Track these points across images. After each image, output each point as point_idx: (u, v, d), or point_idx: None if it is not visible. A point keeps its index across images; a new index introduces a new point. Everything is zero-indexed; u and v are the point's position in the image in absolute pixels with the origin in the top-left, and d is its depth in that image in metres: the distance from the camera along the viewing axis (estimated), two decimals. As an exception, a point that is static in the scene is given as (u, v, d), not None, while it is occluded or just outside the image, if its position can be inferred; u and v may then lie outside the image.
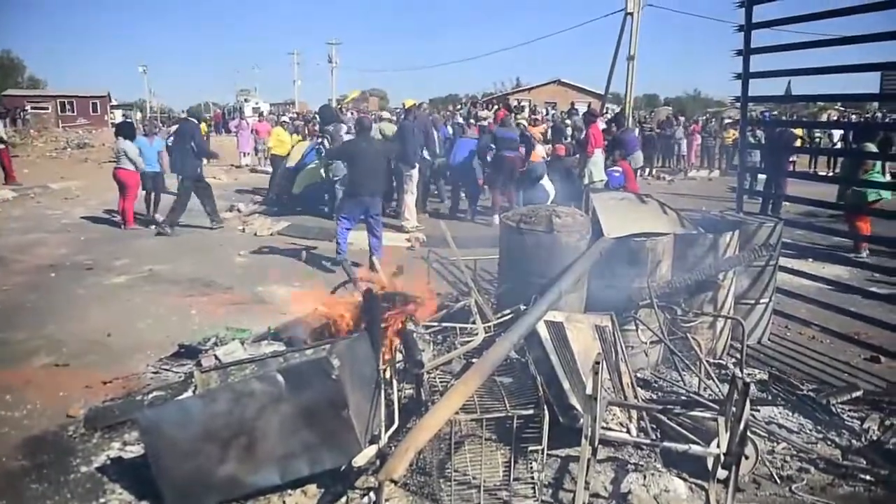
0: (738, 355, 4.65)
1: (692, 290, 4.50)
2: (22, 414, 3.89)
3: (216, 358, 4.39)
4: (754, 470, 3.31)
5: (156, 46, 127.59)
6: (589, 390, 2.70)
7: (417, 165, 9.63)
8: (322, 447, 2.89)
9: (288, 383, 2.88)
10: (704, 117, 23.94)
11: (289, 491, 2.99)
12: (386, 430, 2.96)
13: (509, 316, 3.86)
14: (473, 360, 3.53)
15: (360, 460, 2.81)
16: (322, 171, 10.28)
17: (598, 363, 2.60)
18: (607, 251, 4.24)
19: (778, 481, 3.28)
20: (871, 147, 8.22)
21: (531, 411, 2.94)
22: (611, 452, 3.44)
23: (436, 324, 3.67)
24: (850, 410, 4.04)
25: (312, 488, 3.02)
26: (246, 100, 37.56)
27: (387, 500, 2.95)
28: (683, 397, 3.88)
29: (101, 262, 7.62)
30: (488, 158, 10.27)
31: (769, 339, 5.33)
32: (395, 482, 2.92)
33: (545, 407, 2.92)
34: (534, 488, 3.08)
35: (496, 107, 25.43)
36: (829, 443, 3.68)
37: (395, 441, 3.13)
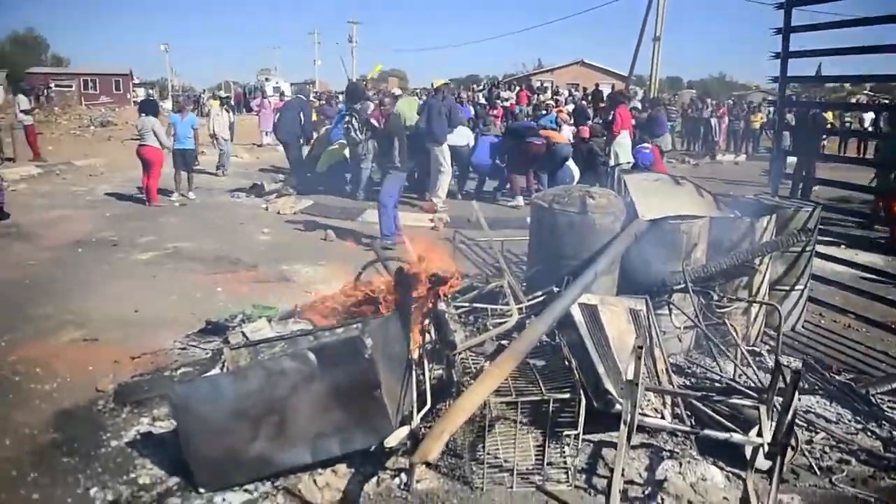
0: (773, 342, 4.55)
1: (727, 275, 4.38)
2: (52, 387, 3.91)
3: (243, 335, 4.38)
4: (793, 460, 3.22)
5: (177, 25, 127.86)
6: (629, 375, 2.62)
7: (446, 143, 9.50)
8: (353, 427, 2.85)
9: (320, 362, 2.83)
10: (731, 101, 23.42)
11: (319, 470, 2.96)
12: (418, 412, 2.90)
13: (541, 298, 3.77)
14: (504, 342, 3.47)
15: (391, 441, 2.76)
16: (346, 150, 10.21)
17: (640, 348, 2.52)
18: (642, 233, 4.13)
19: (817, 472, 3.19)
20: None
21: (567, 395, 2.87)
22: (644, 438, 3.37)
23: (466, 304, 3.60)
24: (889, 401, 3.93)
25: (343, 468, 2.99)
26: (267, 79, 37.43)
27: (418, 482, 2.92)
28: (718, 384, 3.79)
29: (126, 239, 7.65)
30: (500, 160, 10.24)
31: (803, 327, 5.21)
32: (429, 464, 2.87)
33: (581, 391, 2.85)
34: (567, 473, 3.02)
35: (518, 88, 25.18)
36: (869, 434, 3.57)
37: (426, 422, 3.10)
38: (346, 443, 2.87)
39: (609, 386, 3.24)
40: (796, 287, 5.04)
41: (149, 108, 9.69)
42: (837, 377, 4.23)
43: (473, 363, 3.20)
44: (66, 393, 3.84)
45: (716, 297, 4.17)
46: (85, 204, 9.99)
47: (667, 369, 3.65)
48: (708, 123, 18.49)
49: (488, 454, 3.00)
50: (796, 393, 2.42)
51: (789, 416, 2.44)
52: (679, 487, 3.00)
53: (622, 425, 2.69)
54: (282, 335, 3.38)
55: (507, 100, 22.02)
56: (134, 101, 37.20)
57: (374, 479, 2.94)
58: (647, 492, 2.99)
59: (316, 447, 2.86)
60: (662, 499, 2.94)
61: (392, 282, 3.46)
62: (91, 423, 3.48)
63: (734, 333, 3.91)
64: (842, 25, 4.99)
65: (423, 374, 3.10)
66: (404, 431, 2.80)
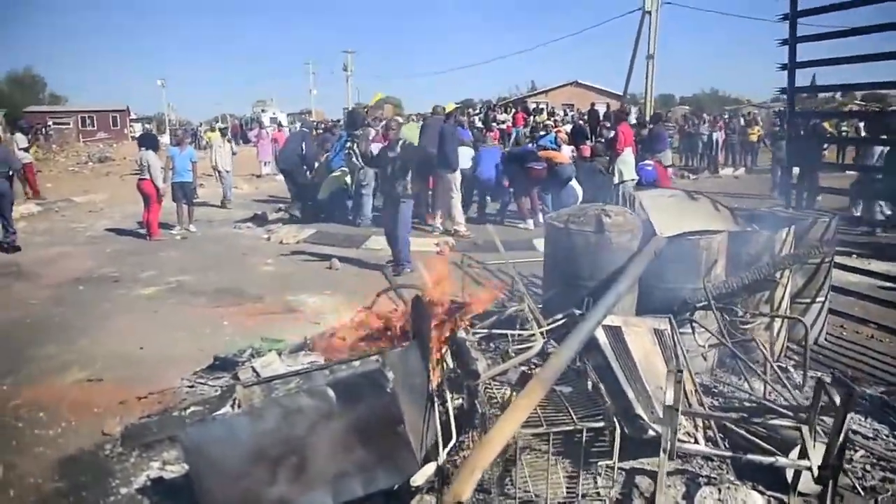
0: (797, 357, 4.43)
1: (750, 290, 4.26)
2: (56, 432, 3.76)
3: (253, 370, 4.25)
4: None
5: (173, 60, 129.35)
6: (667, 400, 2.48)
7: (458, 169, 9.47)
8: (376, 466, 2.70)
9: (338, 397, 2.70)
10: (727, 115, 23.51)
11: (340, 513, 2.80)
12: (443, 446, 2.76)
13: (562, 321, 3.65)
14: (524, 369, 3.33)
15: (418, 479, 2.61)
16: (347, 177, 10.16)
17: (679, 372, 2.39)
18: (660, 251, 4.02)
19: (861, 493, 3.03)
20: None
21: (601, 424, 2.73)
22: (678, 464, 3.21)
23: (485, 331, 3.47)
24: (927, 414, 3.78)
25: (365, 510, 2.83)
26: (263, 110, 37.68)
27: (446, 522, 2.76)
28: (748, 403, 3.66)
29: (127, 275, 7.53)
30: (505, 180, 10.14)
31: (826, 339, 5.08)
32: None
33: (615, 419, 2.71)
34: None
35: (514, 110, 25.29)
36: (910, 450, 3.42)
37: (450, 457, 2.95)
38: (368, 483, 2.71)
39: (640, 411, 3.11)
40: (817, 299, 4.91)
41: (148, 142, 9.64)
42: (868, 391, 4.10)
43: (498, 392, 3.07)
44: (71, 438, 3.69)
45: (741, 313, 4.04)
46: (85, 240, 9.88)
47: (696, 390, 3.51)
48: (709, 138, 18.51)
49: (518, 488, 2.85)
50: (848, 414, 2.29)
51: (841, 438, 2.31)
52: (721, 516, 2.85)
53: (661, 453, 2.55)
54: (297, 370, 3.25)
55: (503, 122, 22.10)
56: (132, 137, 37.39)
57: (399, 520, 2.79)
58: (688, 522, 2.84)
59: (337, 489, 2.70)
60: (705, 530, 2.79)
61: (408, 310, 3.33)
62: (98, 469, 3.33)
63: (763, 350, 3.78)
64: (849, 34, 4.94)
65: (446, 405, 2.96)
66: (431, 468, 2.65)
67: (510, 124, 21.86)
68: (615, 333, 3.45)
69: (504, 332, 3.49)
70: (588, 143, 13.19)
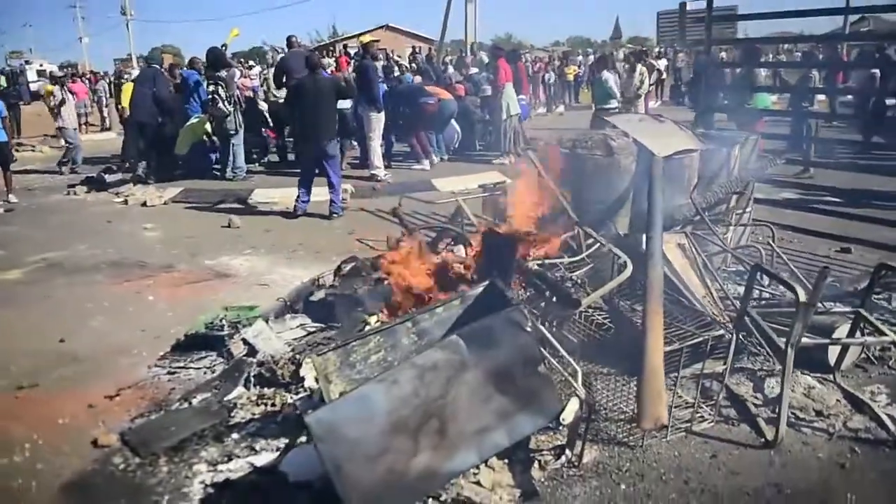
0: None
1: (719, 203, 4.61)
2: (24, 458, 2.89)
3: (245, 342, 3.69)
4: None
5: None
6: (802, 297, 2.59)
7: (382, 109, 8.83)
8: (518, 411, 2.48)
9: (470, 346, 2.41)
10: (545, 57, 24.85)
11: (472, 471, 2.55)
12: (575, 379, 2.60)
13: (596, 246, 3.62)
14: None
15: (568, 416, 2.45)
16: (208, 125, 8.97)
17: (826, 269, 2.50)
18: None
19: (875, 362, 3.50)
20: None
21: (721, 332, 2.78)
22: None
23: (538, 261, 3.31)
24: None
25: (495, 461, 2.60)
26: (27, 62, 31.41)
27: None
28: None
29: (-35, 259, 5.97)
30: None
31: (748, 242, 5.70)
32: (665, 427, 2.58)
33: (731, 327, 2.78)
34: (703, 412, 2.96)
35: (336, 54, 24.19)
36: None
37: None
38: (513, 431, 2.48)
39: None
40: (747, 210, 5.47)
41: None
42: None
43: (601, 317, 2.97)
44: (53, 460, 2.86)
45: (731, 225, 4.35)
46: None
47: (726, 296, 3.74)
48: (542, 79, 19.46)
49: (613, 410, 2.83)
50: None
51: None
52: (798, 400, 3.10)
53: (789, 349, 2.67)
54: (376, 328, 2.81)
55: (328, 66, 21.07)
56: None
57: (537, 464, 2.62)
58: (776, 410, 3.04)
59: (482, 444, 2.44)
60: (794, 413, 3.01)
61: (477, 246, 3.06)
62: (127, 488, 2.64)
63: (778, 252, 4.13)
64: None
65: (550, 339, 2.79)
66: (576, 403, 2.50)
67: (334, 68, 20.94)
68: (658, 250, 3.51)
69: (555, 260, 3.36)
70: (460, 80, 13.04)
